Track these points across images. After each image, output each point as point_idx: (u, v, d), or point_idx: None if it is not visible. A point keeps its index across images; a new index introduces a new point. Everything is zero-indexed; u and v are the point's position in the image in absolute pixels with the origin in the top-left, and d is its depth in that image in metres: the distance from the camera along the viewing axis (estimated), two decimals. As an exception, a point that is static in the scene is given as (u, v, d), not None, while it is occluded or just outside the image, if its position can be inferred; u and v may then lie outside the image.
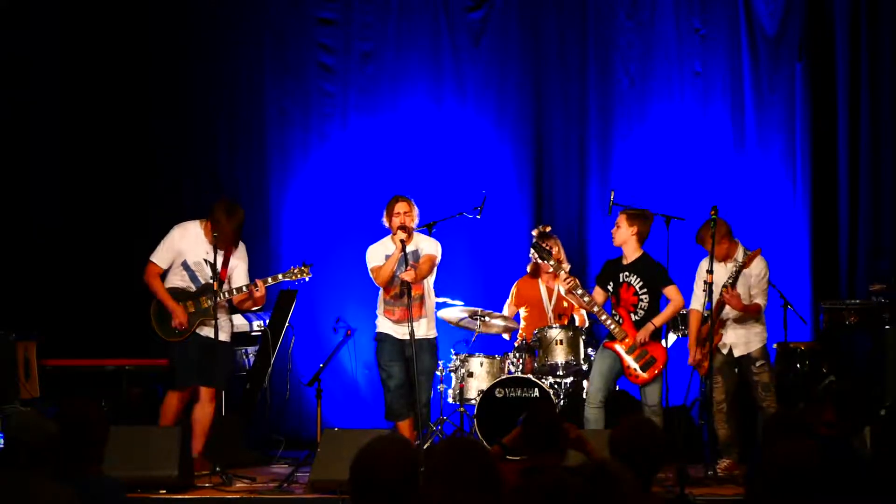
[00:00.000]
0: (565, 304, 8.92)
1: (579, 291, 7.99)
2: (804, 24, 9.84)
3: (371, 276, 8.11)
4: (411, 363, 7.94)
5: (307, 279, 7.96)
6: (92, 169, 10.07)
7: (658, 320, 8.03)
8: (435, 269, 8.17)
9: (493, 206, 9.38)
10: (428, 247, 8.16)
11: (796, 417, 4.86)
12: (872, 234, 9.73)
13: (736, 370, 8.11)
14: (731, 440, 7.98)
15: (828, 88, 9.81)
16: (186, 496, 7.26)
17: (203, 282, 7.84)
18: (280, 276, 7.94)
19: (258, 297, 7.83)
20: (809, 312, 9.51)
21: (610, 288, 8.07)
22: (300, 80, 10.30)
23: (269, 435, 8.90)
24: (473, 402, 8.54)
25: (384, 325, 8.13)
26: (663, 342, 8.37)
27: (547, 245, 8.35)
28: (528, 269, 9.16)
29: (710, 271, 7.80)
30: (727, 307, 7.84)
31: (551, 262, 8.16)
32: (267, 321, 9.14)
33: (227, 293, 7.83)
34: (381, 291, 8.14)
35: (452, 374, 8.75)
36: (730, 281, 7.79)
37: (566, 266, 8.30)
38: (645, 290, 8.01)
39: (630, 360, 7.97)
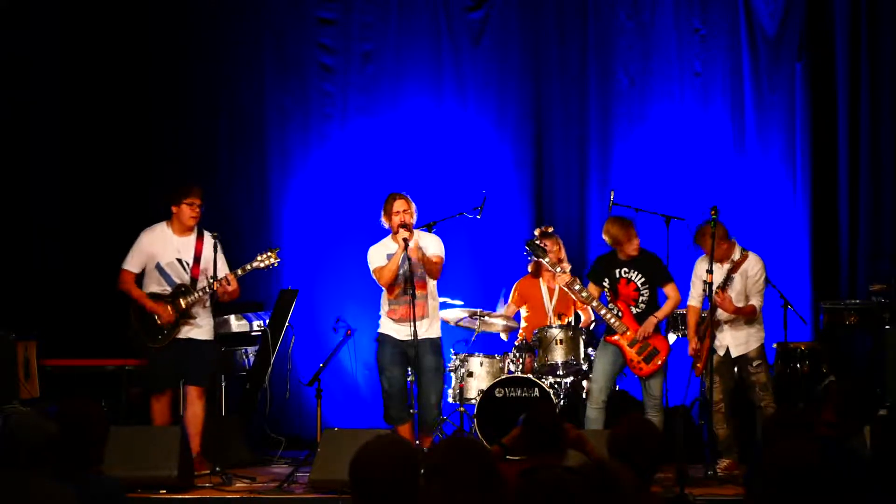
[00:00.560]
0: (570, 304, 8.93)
1: (577, 287, 8.02)
2: (804, 24, 9.83)
3: (374, 277, 8.09)
4: (415, 363, 7.91)
5: (276, 264, 7.97)
6: (92, 169, 10.07)
7: (660, 314, 8.08)
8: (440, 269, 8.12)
9: (493, 206, 9.38)
10: (432, 245, 8.11)
11: (796, 417, 4.85)
12: (872, 234, 9.73)
13: (736, 370, 8.11)
14: (731, 440, 7.98)
15: (828, 88, 9.80)
16: (186, 496, 7.27)
17: (177, 282, 7.86)
18: (249, 266, 7.92)
19: (232, 290, 7.84)
20: (809, 312, 9.51)
21: (605, 284, 8.09)
22: (300, 80, 10.30)
23: (269, 435, 8.90)
24: (473, 401, 8.54)
25: (385, 325, 8.10)
26: (667, 337, 8.40)
27: (542, 243, 8.36)
28: (530, 268, 9.17)
29: (710, 271, 7.82)
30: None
31: (545, 260, 8.18)
32: (267, 321, 9.14)
33: (200, 291, 7.84)
34: (384, 292, 8.12)
35: (452, 374, 8.75)
36: (721, 284, 7.82)
37: (566, 266, 8.31)
38: (647, 285, 8.07)
39: (633, 353, 7.99)
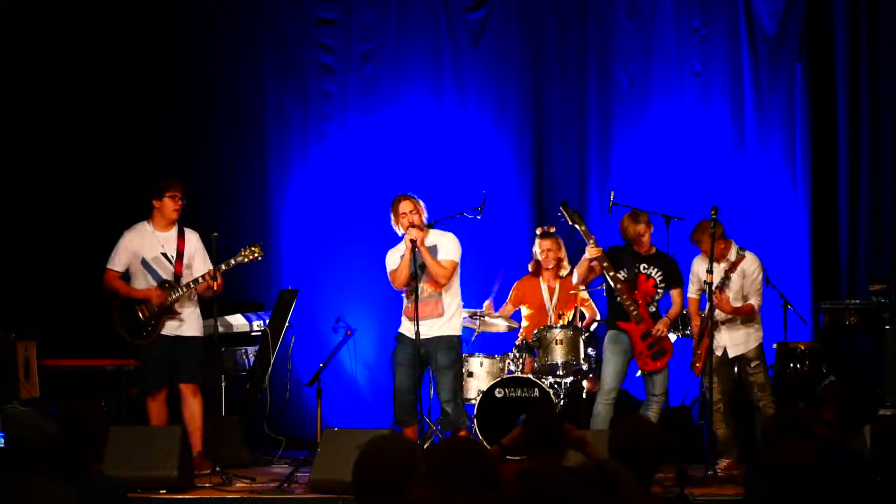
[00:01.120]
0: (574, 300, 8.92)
1: (606, 263, 7.94)
2: (804, 24, 9.83)
3: (389, 279, 8.03)
4: (426, 362, 7.83)
5: (260, 258, 7.95)
6: (92, 169, 10.07)
7: (671, 316, 8.11)
8: (456, 271, 7.98)
9: (493, 206, 9.37)
10: (444, 247, 7.94)
11: (796, 417, 4.85)
12: (872, 234, 9.73)
13: (735, 370, 8.12)
14: (731, 440, 7.98)
15: (828, 88, 9.80)
16: (186, 496, 7.26)
17: (164, 277, 7.88)
18: (233, 261, 7.90)
19: (216, 285, 7.82)
20: (809, 312, 9.51)
21: (622, 275, 8.01)
22: (300, 80, 10.30)
23: (269, 435, 8.89)
24: (473, 402, 8.54)
25: (402, 325, 7.98)
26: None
27: (571, 219, 8.15)
28: (530, 268, 9.16)
29: (709, 271, 7.82)
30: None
31: (581, 227, 8.06)
32: (267, 321, 9.14)
33: (184, 287, 7.85)
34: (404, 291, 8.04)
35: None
36: (719, 284, 7.82)
37: (595, 247, 8.06)
38: (664, 284, 8.07)
39: (643, 346, 7.97)
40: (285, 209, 10.23)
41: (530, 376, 8.50)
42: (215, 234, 7.84)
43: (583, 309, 9.00)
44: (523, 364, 8.72)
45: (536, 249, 9.13)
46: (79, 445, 4.18)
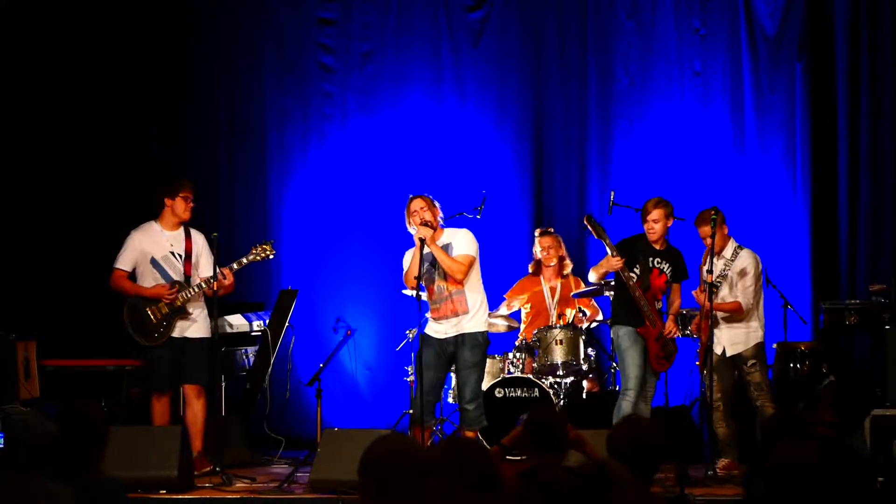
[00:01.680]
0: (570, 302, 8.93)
1: (626, 273, 7.74)
2: (804, 24, 9.83)
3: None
4: (455, 360, 7.65)
5: (272, 256, 7.94)
6: (92, 168, 10.08)
7: (673, 312, 7.96)
8: (474, 266, 7.70)
9: (493, 205, 9.37)
10: (459, 243, 7.71)
11: (796, 417, 4.86)
12: (872, 234, 9.74)
13: (735, 370, 8.11)
14: (731, 440, 7.98)
15: (828, 88, 9.81)
16: (186, 496, 7.26)
17: (175, 277, 7.86)
18: (244, 260, 7.88)
19: (227, 285, 7.82)
20: (809, 312, 9.51)
21: (637, 270, 7.81)
22: (300, 80, 10.30)
23: (269, 435, 8.89)
24: (473, 402, 8.53)
25: (427, 325, 7.75)
26: None
27: (596, 232, 7.99)
28: (531, 267, 9.17)
29: (709, 271, 7.81)
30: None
31: (606, 241, 7.74)
32: (267, 321, 9.14)
33: (195, 287, 7.83)
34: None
35: (452, 374, 8.73)
36: (716, 282, 7.82)
37: (617, 250, 7.92)
38: (672, 279, 7.91)
39: (658, 348, 7.83)
40: (285, 209, 10.23)
41: (530, 376, 8.50)
42: (215, 234, 7.84)
43: (585, 309, 8.98)
44: (523, 364, 8.72)
45: (537, 248, 9.13)
46: (79, 446, 4.18)
